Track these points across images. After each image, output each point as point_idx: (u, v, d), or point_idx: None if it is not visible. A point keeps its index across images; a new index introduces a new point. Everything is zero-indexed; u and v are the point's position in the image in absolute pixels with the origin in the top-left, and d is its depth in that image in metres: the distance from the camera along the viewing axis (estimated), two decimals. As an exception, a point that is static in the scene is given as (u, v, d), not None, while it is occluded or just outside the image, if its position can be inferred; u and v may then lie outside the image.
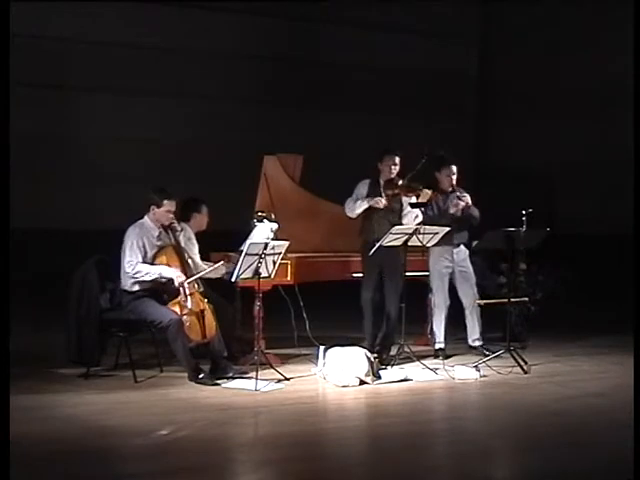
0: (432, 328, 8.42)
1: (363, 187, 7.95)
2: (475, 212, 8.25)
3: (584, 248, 12.12)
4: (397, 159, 7.89)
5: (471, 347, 8.31)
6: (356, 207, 7.84)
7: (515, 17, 14.92)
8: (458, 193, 8.20)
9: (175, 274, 6.98)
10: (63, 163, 13.07)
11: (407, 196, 7.88)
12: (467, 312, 8.30)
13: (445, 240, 7.94)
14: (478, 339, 8.30)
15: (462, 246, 8.28)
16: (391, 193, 7.83)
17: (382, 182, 7.90)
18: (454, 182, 8.26)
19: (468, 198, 8.20)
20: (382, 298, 7.94)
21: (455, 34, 15.46)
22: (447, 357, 8.16)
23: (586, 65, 13.74)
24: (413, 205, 7.88)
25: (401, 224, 7.81)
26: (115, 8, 13.13)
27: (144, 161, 13.27)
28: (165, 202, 7.10)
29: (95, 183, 13.01)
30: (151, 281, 6.99)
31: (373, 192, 7.89)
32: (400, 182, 7.82)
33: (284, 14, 14.30)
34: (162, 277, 6.99)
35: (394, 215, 7.90)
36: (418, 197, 7.85)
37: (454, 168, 8.26)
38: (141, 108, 13.51)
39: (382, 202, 7.79)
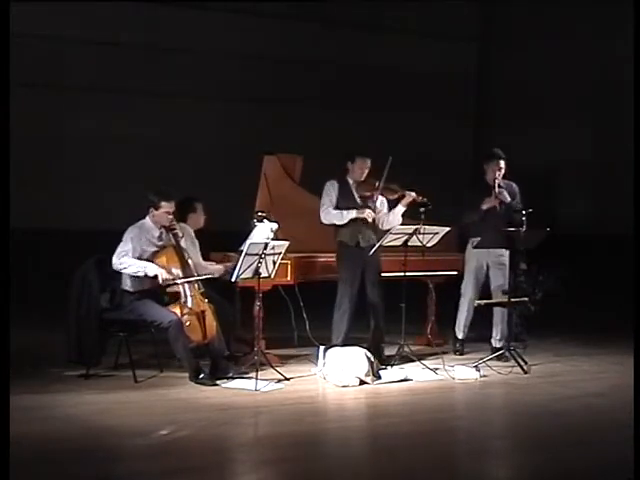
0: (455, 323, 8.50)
1: (332, 190, 7.84)
2: (514, 206, 8.07)
3: (584, 248, 12.12)
4: (369, 161, 7.81)
5: (493, 347, 8.24)
6: (344, 218, 7.74)
7: (515, 17, 14.92)
8: (497, 189, 8.11)
9: (159, 271, 6.89)
10: (62, 163, 13.06)
11: (386, 197, 7.85)
12: (494, 310, 8.29)
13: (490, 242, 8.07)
14: (499, 340, 8.25)
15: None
16: (369, 194, 7.80)
17: (352, 182, 7.85)
18: (499, 177, 8.16)
19: (505, 195, 8.12)
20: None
21: (455, 34, 15.45)
22: (462, 354, 8.33)
23: (586, 65, 13.74)
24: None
25: (374, 227, 7.80)
26: (115, 8, 13.11)
27: (143, 161, 13.26)
28: (163, 203, 7.07)
29: (95, 183, 13.00)
30: (138, 276, 6.92)
31: (345, 194, 7.83)
32: (377, 183, 7.75)
33: (284, 14, 14.29)
34: (146, 272, 6.89)
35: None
36: (400, 198, 7.83)
37: (502, 163, 8.18)
38: (140, 108, 13.50)
39: (371, 215, 7.76)
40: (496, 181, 8.15)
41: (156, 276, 6.90)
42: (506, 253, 8.26)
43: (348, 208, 7.78)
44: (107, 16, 13.19)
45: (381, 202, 7.90)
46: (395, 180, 7.80)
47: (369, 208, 7.78)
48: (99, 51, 13.23)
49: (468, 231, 8.37)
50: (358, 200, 7.84)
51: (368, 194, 7.81)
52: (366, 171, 7.82)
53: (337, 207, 7.80)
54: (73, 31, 13.10)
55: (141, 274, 6.93)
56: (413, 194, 7.75)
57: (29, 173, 12.21)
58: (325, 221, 7.84)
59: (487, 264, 8.31)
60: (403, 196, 7.81)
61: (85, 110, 13.23)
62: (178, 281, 6.98)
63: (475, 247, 8.22)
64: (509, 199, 8.16)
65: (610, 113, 13.32)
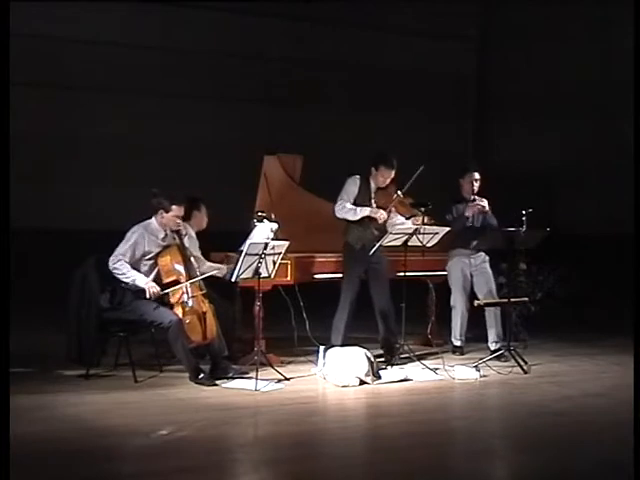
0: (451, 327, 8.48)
1: (354, 185, 7.87)
2: (493, 220, 8.27)
3: (584, 248, 12.12)
4: (393, 173, 7.82)
5: (491, 350, 8.19)
6: (357, 214, 7.78)
7: (515, 17, 14.90)
8: (475, 197, 8.22)
9: (147, 285, 6.93)
10: (63, 163, 13.05)
11: (399, 212, 7.85)
12: (486, 314, 8.27)
13: (464, 245, 8.13)
14: (495, 342, 8.24)
15: (481, 252, 8.30)
16: (383, 204, 7.81)
17: (373, 186, 7.87)
18: (475, 189, 8.25)
19: (485, 203, 8.22)
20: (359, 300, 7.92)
21: (455, 34, 15.45)
22: (463, 354, 8.31)
23: (586, 65, 13.73)
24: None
25: (384, 232, 7.79)
26: (115, 8, 13.12)
27: (144, 161, 13.26)
28: (174, 207, 7.09)
29: (95, 183, 13.00)
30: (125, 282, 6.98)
31: (363, 194, 7.85)
32: (395, 195, 7.76)
33: (284, 14, 14.29)
34: (134, 285, 6.95)
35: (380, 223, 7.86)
36: (410, 217, 7.83)
37: (476, 175, 8.28)
38: (141, 108, 13.50)
39: (383, 216, 7.77)
40: (474, 191, 8.23)
41: (144, 290, 6.93)
42: (487, 259, 8.30)
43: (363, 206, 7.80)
44: (107, 16, 13.20)
45: (395, 211, 7.90)
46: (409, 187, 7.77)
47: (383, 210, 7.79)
48: (99, 51, 13.23)
49: (450, 243, 8.35)
50: (374, 205, 7.85)
51: (382, 203, 7.82)
52: (388, 180, 7.84)
53: (354, 204, 7.83)
54: (73, 31, 13.11)
55: (130, 283, 6.95)
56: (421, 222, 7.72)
57: (29, 173, 12.21)
58: (338, 215, 7.86)
59: (470, 273, 8.32)
60: (414, 216, 7.81)
61: (85, 110, 13.23)
62: (183, 284, 6.98)
63: (474, 247, 8.23)
64: (487, 207, 8.24)
65: (609, 113, 13.30)
